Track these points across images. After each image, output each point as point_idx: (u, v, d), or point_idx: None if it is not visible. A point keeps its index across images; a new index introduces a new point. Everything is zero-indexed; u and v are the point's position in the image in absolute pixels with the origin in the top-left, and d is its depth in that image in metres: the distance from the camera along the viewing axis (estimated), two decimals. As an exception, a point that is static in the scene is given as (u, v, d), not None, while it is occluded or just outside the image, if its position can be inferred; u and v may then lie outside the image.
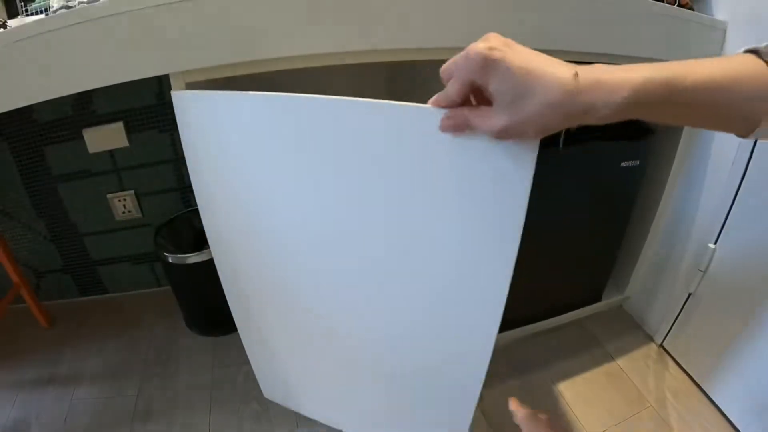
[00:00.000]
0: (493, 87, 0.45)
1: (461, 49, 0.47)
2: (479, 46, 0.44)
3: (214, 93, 0.74)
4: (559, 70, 0.43)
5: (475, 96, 0.51)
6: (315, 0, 0.74)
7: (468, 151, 0.57)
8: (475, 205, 0.63)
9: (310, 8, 0.74)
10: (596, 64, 0.45)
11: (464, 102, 0.51)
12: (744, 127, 0.48)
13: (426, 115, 0.55)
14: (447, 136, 0.56)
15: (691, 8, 1.18)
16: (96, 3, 0.71)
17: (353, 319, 0.88)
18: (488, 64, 0.44)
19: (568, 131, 1.06)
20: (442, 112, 0.54)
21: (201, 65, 0.76)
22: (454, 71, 0.48)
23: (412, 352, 0.89)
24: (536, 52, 0.45)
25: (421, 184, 0.64)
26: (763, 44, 0.48)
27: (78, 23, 0.70)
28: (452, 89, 0.49)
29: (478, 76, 0.46)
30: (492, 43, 0.44)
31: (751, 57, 0.47)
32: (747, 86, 0.46)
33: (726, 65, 0.46)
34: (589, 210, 1.23)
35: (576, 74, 0.43)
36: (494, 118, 0.47)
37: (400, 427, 1.09)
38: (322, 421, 1.20)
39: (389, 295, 0.80)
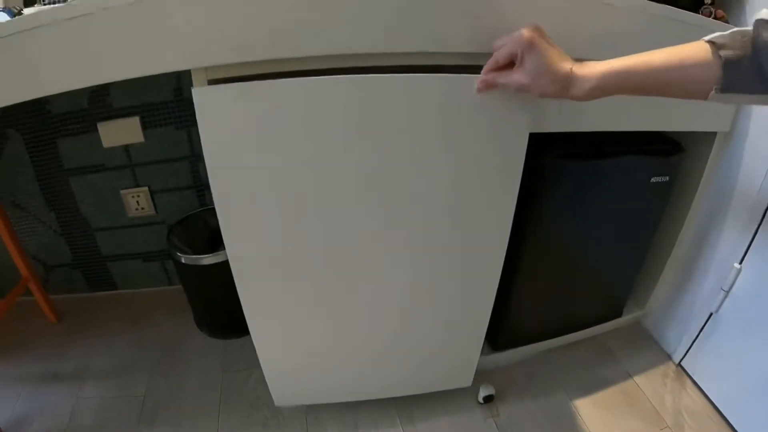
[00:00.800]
0: (527, 59, 0.68)
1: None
2: (528, 32, 0.67)
3: (248, 84, 0.73)
4: (564, 63, 0.68)
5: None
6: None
7: (493, 102, 0.80)
8: (498, 144, 0.86)
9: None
10: (585, 62, 0.68)
11: (501, 68, 0.74)
12: (695, 97, 0.64)
13: (471, 80, 0.77)
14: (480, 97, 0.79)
15: (726, 21, 1.16)
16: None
17: (379, 276, 0.99)
18: (532, 45, 0.67)
19: (600, 145, 1.06)
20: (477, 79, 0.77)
21: (227, 61, 0.73)
22: (505, 44, 0.70)
23: (427, 300, 1.04)
24: (556, 46, 0.69)
25: (456, 134, 0.83)
26: (728, 32, 0.61)
27: (93, 13, 0.68)
28: (502, 55, 0.71)
29: (521, 50, 0.68)
30: (535, 33, 0.68)
31: (705, 45, 0.61)
32: (694, 70, 0.62)
33: (680, 53, 0.63)
34: (616, 225, 1.20)
35: (571, 69, 0.68)
36: (520, 77, 0.70)
37: (411, 385, 1.23)
38: (337, 401, 1.23)
39: (414, 243, 0.95)
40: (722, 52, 0.59)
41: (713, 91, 0.61)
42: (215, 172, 0.81)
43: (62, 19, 0.68)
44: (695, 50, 0.62)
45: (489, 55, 0.74)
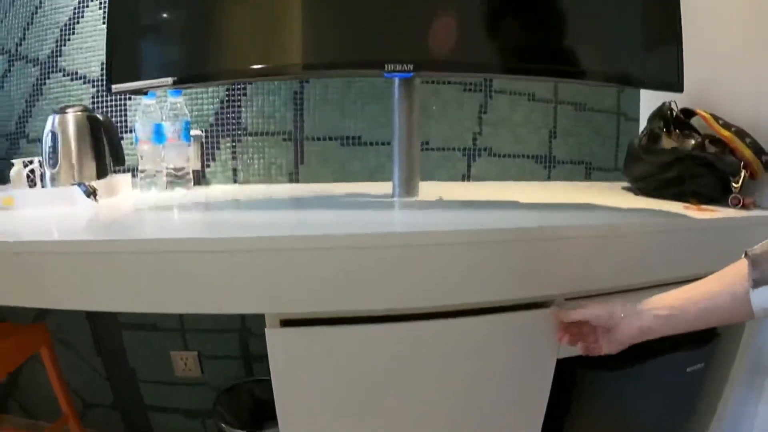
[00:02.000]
0: (611, 334, 0.75)
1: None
2: (617, 312, 0.74)
3: (318, 329, 0.80)
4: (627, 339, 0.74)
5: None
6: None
7: (526, 336, 0.91)
8: (527, 369, 0.94)
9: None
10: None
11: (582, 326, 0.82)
12: (748, 317, 0.65)
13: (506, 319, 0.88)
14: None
15: (756, 206, 1.20)
16: (187, 238, 0.77)
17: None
18: (612, 327, 0.75)
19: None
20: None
21: (301, 310, 0.80)
22: (591, 311, 0.77)
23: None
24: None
25: (492, 359, 0.91)
26: (758, 245, 0.64)
27: (175, 251, 0.75)
28: (579, 316, 0.79)
29: (603, 323, 0.76)
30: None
31: (742, 260, 0.65)
32: (736, 289, 0.64)
33: (722, 277, 0.67)
34: (650, 412, 1.20)
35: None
36: (604, 348, 0.77)
37: None
38: None
39: None
40: (750, 252, 0.63)
41: (748, 293, 0.62)
42: (282, 391, 0.85)
43: (141, 252, 0.75)
44: (735, 266, 0.65)
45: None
